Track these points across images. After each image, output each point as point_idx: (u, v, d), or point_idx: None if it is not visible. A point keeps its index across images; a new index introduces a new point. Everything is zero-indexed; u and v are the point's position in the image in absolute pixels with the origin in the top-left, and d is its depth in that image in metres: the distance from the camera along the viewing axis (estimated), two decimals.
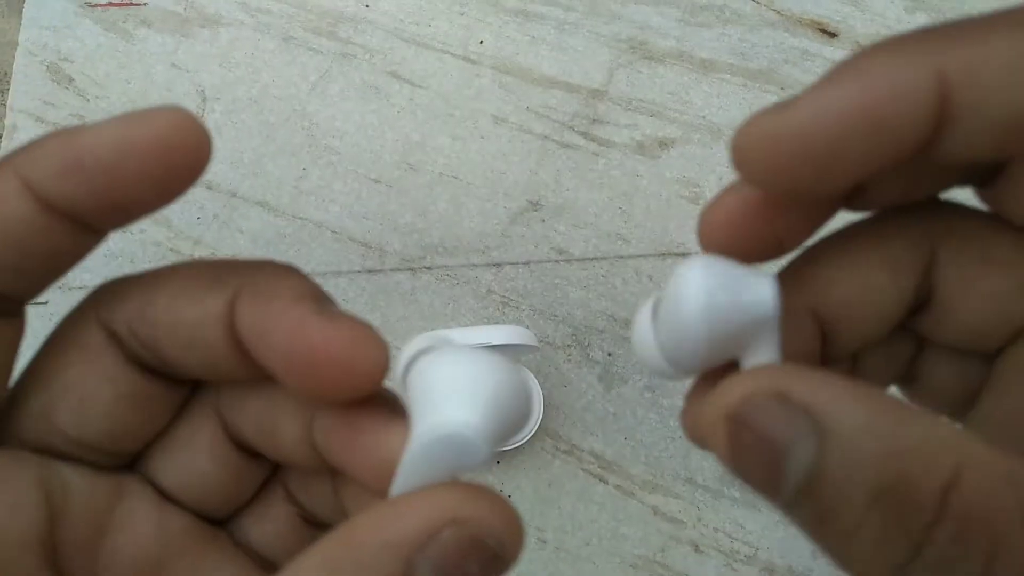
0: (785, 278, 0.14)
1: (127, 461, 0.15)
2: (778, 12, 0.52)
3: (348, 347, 0.12)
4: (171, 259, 0.48)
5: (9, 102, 0.51)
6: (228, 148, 0.50)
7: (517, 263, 0.47)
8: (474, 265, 0.47)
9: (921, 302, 0.14)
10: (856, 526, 0.10)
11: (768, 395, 0.11)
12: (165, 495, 0.15)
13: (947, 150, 0.11)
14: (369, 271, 0.47)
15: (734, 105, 0.50)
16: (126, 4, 0.53)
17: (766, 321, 0.12)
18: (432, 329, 0.42)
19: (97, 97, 0.51)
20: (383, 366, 0.13)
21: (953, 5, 0.51)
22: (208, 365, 0.14)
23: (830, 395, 0.10)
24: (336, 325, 0.13)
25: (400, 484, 0.12)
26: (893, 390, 0.16)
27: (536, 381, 0.43)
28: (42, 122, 0.50)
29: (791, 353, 0.14)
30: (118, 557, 0.14)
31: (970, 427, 0.15)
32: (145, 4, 0.53)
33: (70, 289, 0.45)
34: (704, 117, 0.50)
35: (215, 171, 0.49)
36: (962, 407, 0.15)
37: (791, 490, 0.10)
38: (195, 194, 0.49)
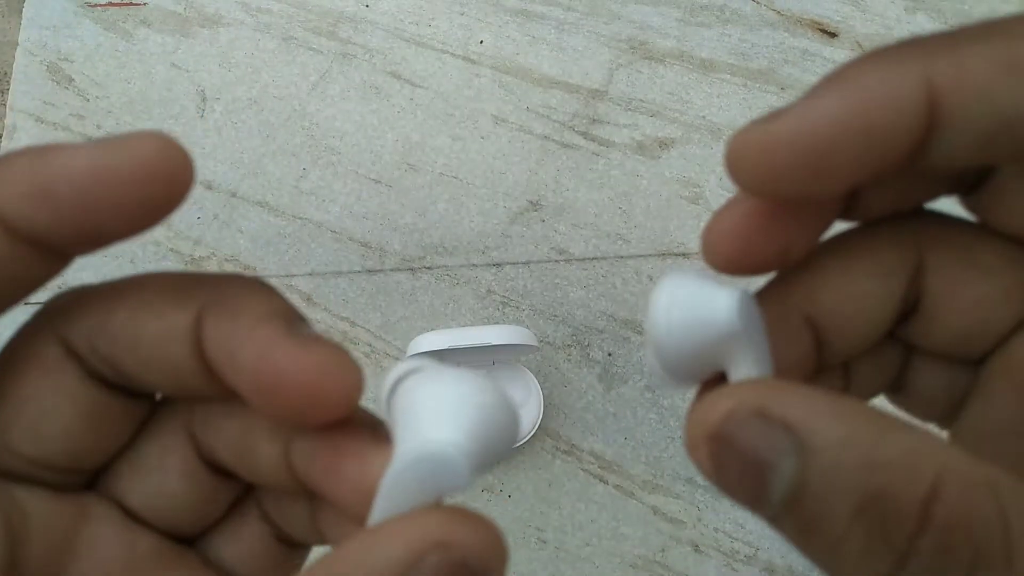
0: (779, 285, 0.15)
1: (87, 479, 0.15)
2: (778, 12, 0.52)
3: (318, 372, 0.12)
4: (171, 259, 0.48)
5: (9, 102, 0.51)
6: (228, 148, 0.50)
7: (517, 263, 0.47)
8: (474, 265, 0.47)
9: (910, 308, 0.14)
10: (840, 539, 0.10)
11: (748, 413, 0.11)
12: (131, 515, 0.15)
13: (936, 155, 0.11)
14: (369, 271, 0.47)
15: (734, 105, 0.50)
16: (126, 4, 0.53)
17: (733, 335, 0.12)
18: (432, 329, 0.42)
19: (97, 97, 0.51)
20: (356, 392, 0.13)
21: (953, 5, 0.51)
22: (173, 382, 0.13)
23: (809, 411, 0.10)
24: (306, 348, 0.12)
25: (381, 507, 0.12)
26: (881, 400, 0.16)
27: (536, 381, 0.43)
28: (42, 122, 0.50)
29: (786, 360, 0.14)
30: None
31: (956, 434, 0.15)
32: (145, 4, 0.53)
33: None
34: (704, 117, 0.50)
35: (215, 171, 0.49)
36: (949, 415, 0.15)
37: (776, 505, 0.11)
38: (195, 194, 0.49)
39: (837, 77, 0.11)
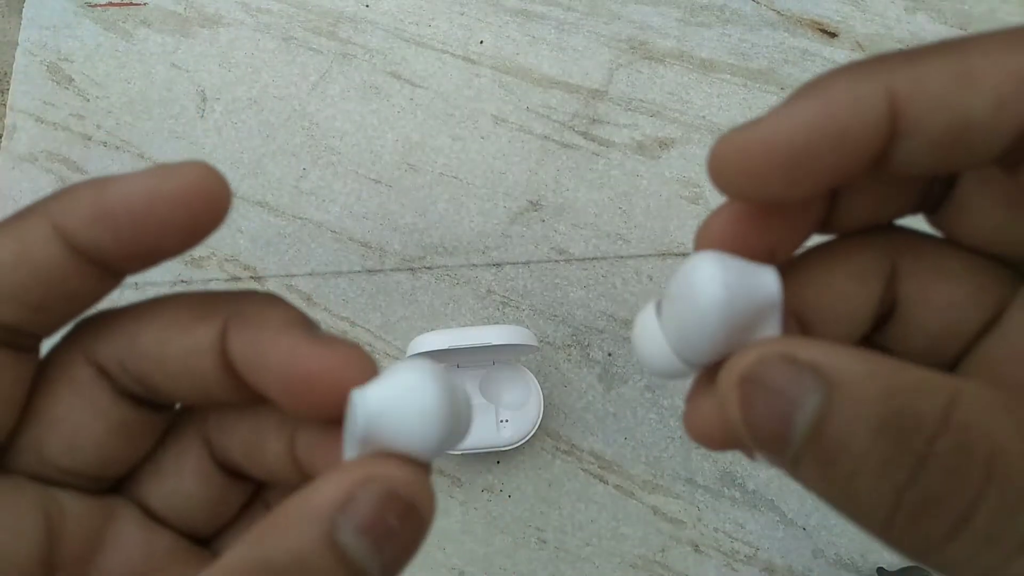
0: None
1: (113, 484, 0.16)
2: (778, 12, 0.52)
3: (341, 368, 0.13)
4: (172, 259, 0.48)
5: (9, 102, 0.51)
6: (228, 148, 0.50)
7: (517, 263, 0.47)
8: (474, 265, 0.47)
9: (887, 312, 0.15)
10: (862, 457, 0.11)
11: (777, 357, 0.12)
12: (152, 515, 0.16)
13: (899, 161, 0.12)
14: (369, 271, 0.47)
15: (734, 105, 0.50)
16: (126, 4, 0.53)
17: (773, 307, 0.13)
18: (432, 329, 0.42)
19: (97, 97, 0.51)
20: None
21: (953, 5, 0.51)
22: (199, 392, 0.15)
23: (833, 354, 0.11)
24: (329, 349, 0.14)
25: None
26: None
27: (536, 381, 0.43)
28: (42, 122, 0.50)
29: None
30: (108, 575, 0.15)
31: None
32: (145, 4, 0.53)
33: None
34: (704, 117, 0.50)
35: None
36: None
37: (799, 440, 0.11)
38: None
39: (809, 88, 0.12)
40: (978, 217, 0.14)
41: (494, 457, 0.44)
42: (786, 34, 0.51)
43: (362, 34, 0.52)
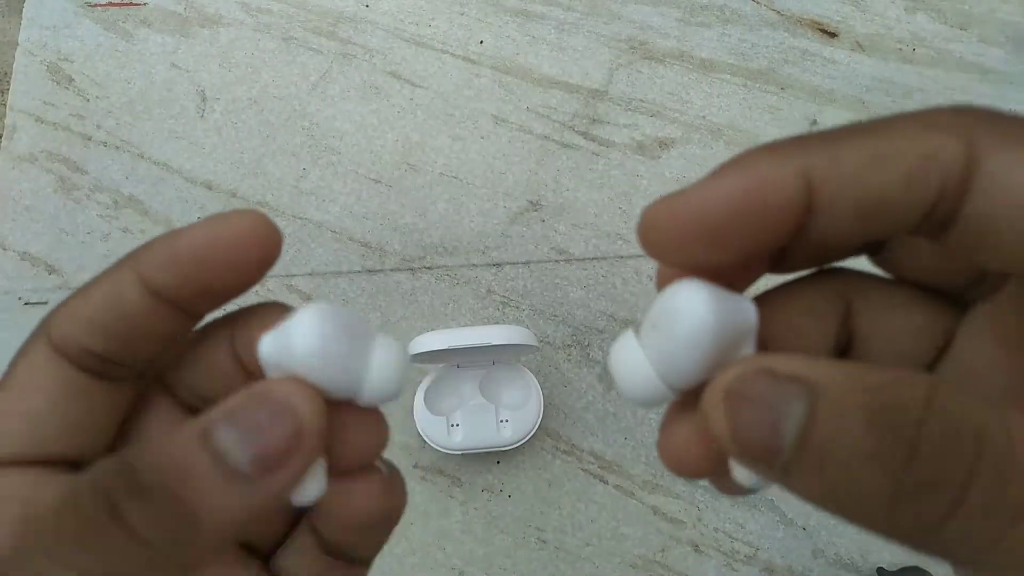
0: None
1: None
2: (778, 12, 0.52)
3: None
4: None
5: (9, 102, 0.51)
6: (228, 148, 0.50)
7: (517, 263, 0.47)
8: (474, 265, 0.47)
9: (843, 346, 0.16)
10: (853, 454, 0.11)
11: (757, 371, 0.12)
12: None
13: (816, 232, 0.13)
14: (369, 271, 0.47)
15: (734, 105, 0.50)
16: (126, 4, 0.53)
17: (751, 332, 0.14)
18: (432, 329, 0.42)
19: (97, 97, 0.51)
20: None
21: (953, 5, 0.51)
22: (222, 385, 0.17)
23: (812, 363, 0.12)
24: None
25: None
26: None
27: (536, 381, 0.43)
28: (42, 122, 0.50)
29: None
30: None
31: None
32: (145, 4, 0.53)
33: (70, 289, 0.45)
34: (704, 117, 0.50)
35: (215, 171, 0.49)
36: None
37: (788, 448, 0.12)
38: (195, 193, 0.49)
39: (733, 163, 0.14)
40: (914, 260, 0.16)
41: (494, 457, 0.44)
42: (786, 34, 0.51)
43: (362, 34, 0.52)
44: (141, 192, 0.49)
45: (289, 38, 0.52)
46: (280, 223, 0.48)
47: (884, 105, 0.49)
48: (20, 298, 0.47)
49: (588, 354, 0.46)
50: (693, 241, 0.13)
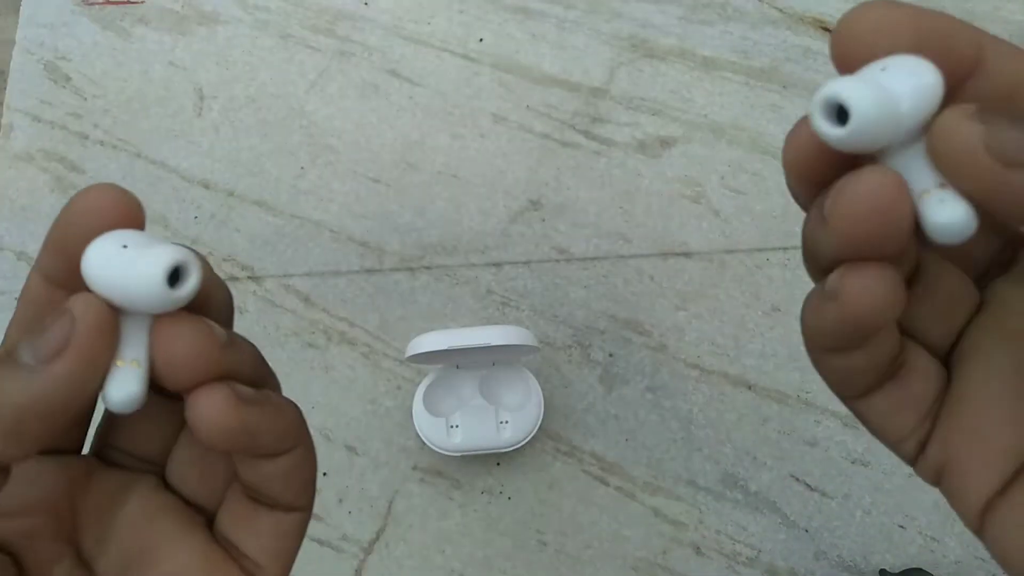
0: None
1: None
2: (780, 10, 0.52)
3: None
4: None
5: (6, 101, 0.51)
6: (226, 147, 0.49)
7: (517, 263, 0.47)
8: (474, 265, 0.47)
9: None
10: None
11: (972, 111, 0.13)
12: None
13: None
14: (368, 271, 0.47)
15: (736, 103, 0.50)
16: (123, 2, 0.52)
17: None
18: (431, 329, 0.42)
19: (94, 96, 0.51)
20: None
21: (956, 3, 0.51)
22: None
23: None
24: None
25: None
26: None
27: (536, 382, 0.43)
28: (39, 120, 0.50)
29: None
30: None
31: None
32: (142, 2, 0.52)
33: None
34: (706, 116, 0.49)
35: (213, 170, 0.49)
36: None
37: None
38: (193, 193, 0.49)
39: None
40: None
41: (494, 459, 0.44)
42: (788, 32, 0.51)
43: (360, 32, 0.51)
44: (138, 191, 0.48)
45: (287, 36, 0.51)
46: (278, 222, 0.48)
47: None
48: (16, 299, 0.47)
49: (589, 355, 0.45)
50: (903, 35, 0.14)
